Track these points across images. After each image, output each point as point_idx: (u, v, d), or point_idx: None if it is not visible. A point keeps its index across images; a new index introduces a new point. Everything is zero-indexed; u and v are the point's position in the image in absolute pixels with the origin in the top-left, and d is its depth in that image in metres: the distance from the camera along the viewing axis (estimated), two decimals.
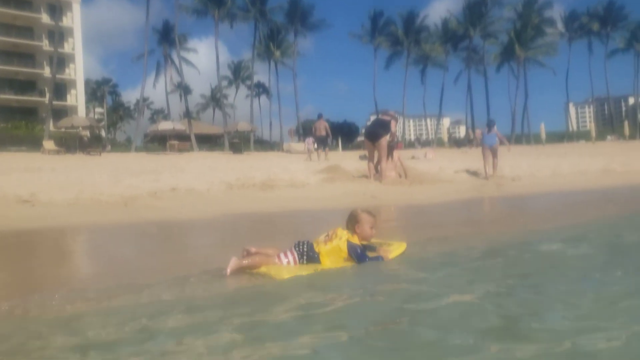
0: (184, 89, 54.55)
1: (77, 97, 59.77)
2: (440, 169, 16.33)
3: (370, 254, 4.19)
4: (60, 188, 9.59)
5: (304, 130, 55.54)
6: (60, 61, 56.75)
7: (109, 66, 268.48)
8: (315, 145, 24.03)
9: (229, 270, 3.80)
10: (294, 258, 4.02)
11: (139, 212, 8.13)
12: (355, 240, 4.14)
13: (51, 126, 40.37)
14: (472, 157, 22.45)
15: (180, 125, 41.33)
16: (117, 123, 76.22)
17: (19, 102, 53.81)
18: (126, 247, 5.88)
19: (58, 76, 58.21)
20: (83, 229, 6.78)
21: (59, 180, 10.83)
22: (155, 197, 9.71)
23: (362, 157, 21.12)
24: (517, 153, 23.11)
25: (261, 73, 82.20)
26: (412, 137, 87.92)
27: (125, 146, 48.81)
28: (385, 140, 12.84)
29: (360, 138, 49.68)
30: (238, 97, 68.96)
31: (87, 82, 67.51)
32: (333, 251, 4.06)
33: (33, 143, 36.53)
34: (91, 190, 9.68)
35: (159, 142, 47.47)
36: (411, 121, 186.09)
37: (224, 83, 71.64)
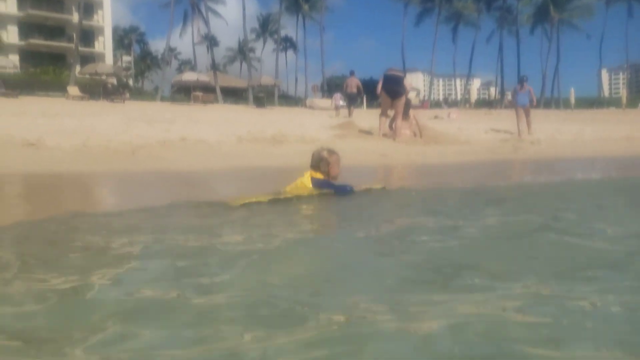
0: (210, 41, 54.11)
1: (104, 44, 59.79)
2: (459, 129, 16.04)
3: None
4: (70, 134, 9.66)
5: (329, 87, 54.97)
6: (89, 7, 56.61)
7: (138, 14, 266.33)
8: (343, 102, 24.09)
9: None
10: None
11: (145, 162, 8.16)
12: (319, 176, 4.51)
13: (78, 73, 40.60)
14: (495, 119, 21.99)
15: (204, 77, 41.23)
16: (144, 72, 76.41)
17: (48, 47, 54.02)
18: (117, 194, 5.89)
19: (86, 22, 58.20)
20: (81, 176, 6.82)
21: (71, 126, 10.91)
22: (164, 146, 9.74)
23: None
24: (543, 117, 22.57)
25: (289, 27, 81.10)
26: (440, 97, 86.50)
27: (151, 95, 48.96)
28: (404, 98, 12.76)
29: None
30: (265, 51, 68.22)
31: (115, 30, 67.34)
32: (296, 188, 4.47)
33: (60, 88, 36.85)
34: (100, 137, 9.74)
35: (185, 92, 47.50)
36: (440, 81, 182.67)
37: (252, 36, 71.02)
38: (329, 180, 4.54)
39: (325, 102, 40.46)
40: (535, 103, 16.97)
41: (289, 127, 13.68)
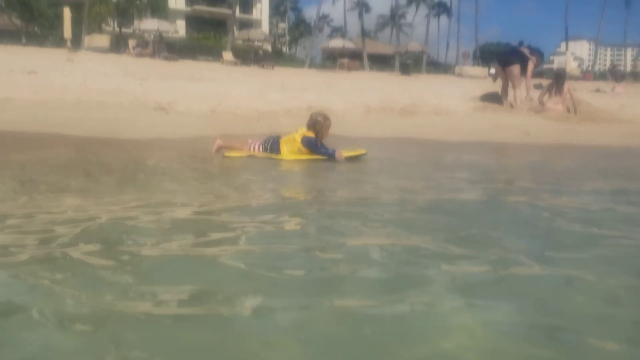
0: (361, 7, 53.66)
1: (261, 11, 62.00)
2: (621, 106, 14.08)
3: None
4: (203, 98, 9.87)
5: (482, 54, 52.01)
6: None
7: None
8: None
9: (215, 147, 5.33)
10: (260, 146, 5.29)
11: (263, 129, 8.06)
12: (311, 134, 5.19)
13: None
14: None
15: (350, 44, 41.03)
16: (298, 39, 78.06)
17: (211, 13, 57.14)
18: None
19: None
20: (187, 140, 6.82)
21: (207, 90, 11.17)
22: (290, 114, 9.62)
23: (536, 86, 20.61)
24: None
25: None
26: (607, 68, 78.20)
27: (302, 62, 49.96)
28: (516, 68, 11.77)
29: (547, 66, 45.36)
30: (418, 17, 66.13)
31: None
32: (289, 140, 5.21)
33: (219, 54, 38.89)
34: (231, 103, 9.86)
35: (333, 59, 47.86)
36: (608, 50, 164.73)
37: (403, 2, 69.23)
38: (316, 141, 5.19)
39: (476, 70, 38.39)
40: None
41: (425, 96, 12.91)
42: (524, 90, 12.47)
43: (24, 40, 33.01)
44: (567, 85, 12.36)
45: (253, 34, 36.35)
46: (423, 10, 72.41)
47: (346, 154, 5.20)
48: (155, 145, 6.29)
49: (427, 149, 7.46)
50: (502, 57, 13.20)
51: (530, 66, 12.35)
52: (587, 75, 42.03)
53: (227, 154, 5.31)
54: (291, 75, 23.57)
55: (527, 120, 10.94)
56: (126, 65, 16.68)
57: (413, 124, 9.65)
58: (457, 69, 39.91)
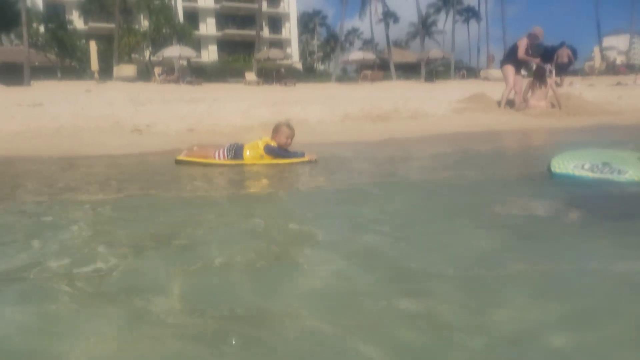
0: (386, 18, 53.99)
1: (290, 30, 63.20)
2: (619, 97, 13.94)
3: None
4: (184, 118, 10.45)
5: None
6: None
7: None
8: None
9: (181, 156, 5.42)
10: (224, 154, 5.35)
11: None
12: (274, 144, 5.36)
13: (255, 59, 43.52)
14: None
15: (370, 55, 41.36)
16: (330, 54, 79.04)
17: (241, 36, 58.73)
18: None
19: (273, 10, 62.21)
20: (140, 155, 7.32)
21: (194, 110, 11.77)
22: (266, 127, 10.05)
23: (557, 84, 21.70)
24: None
25: None
26: None
27: (327, 77, 50.64)
28: (507, 68, 11.86)
29: (588, 63, 44.27)
30: (448, 23, 65.63)
31: (301, 16, 70.81)
32: (252, 147, 5.37)
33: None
34: (211, 121, 10.39)
35: (358, 71, 48.35)
36: None
37: (431, 10, 69.25)
38: (278, 149, 5.32)
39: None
40: None
41: (409, 102, 13.18)
42: (523, 88, 12.42)
43: (59, 75, 34.98)
44: (550, 79, 12.39)
45: (273, 53, 37.18)
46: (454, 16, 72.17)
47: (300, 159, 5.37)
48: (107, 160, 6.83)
49: (377, 147, 7.77)
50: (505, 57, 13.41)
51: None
52: (620, 68, 40.93)
53: (179, 157, 5.39)
54: (306, 90, 24.14)
55: (506, 118, 11.04)
56: (138, 93, 17.60)
57: (383, 129, 9.92)
58: (482, 73, 39.60)
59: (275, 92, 21.74)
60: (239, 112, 11.59)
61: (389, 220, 3.04)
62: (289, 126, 5.47)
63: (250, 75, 33.47)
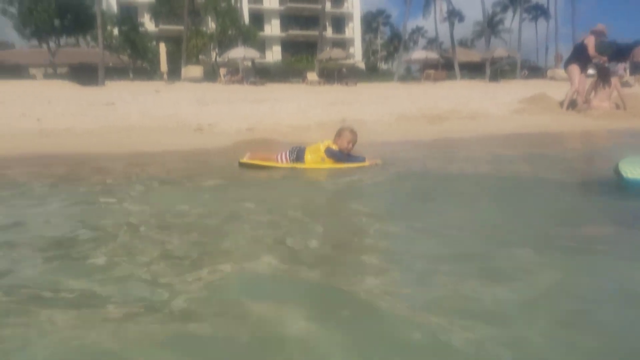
0: (451, 17, 53.24)
1: (353, 30, 63.35)
2: None
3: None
4: (245, 118, 10.87)
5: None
6: None
7: None
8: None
9: (244, 159, 5.34)
10: (286, 157, 5.32)
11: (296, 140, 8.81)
12: (335, 148, 5.27)
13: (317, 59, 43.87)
14: None
15: (433, 54, 40.90)
16: (393, 54, 78.59)
17: (304, 36, 59.33)
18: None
19: (337, 10, 62.55)
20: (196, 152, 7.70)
21: (255, 110, 12.19)
22: (321, 127, 10.32)
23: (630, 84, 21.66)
24: None
25: None
26: None
27: (390, 76, 50.47)
28: (572, 68, 11.46)
29: None
30: (516, 22, 63.79)
31: (366, 15, 70.82)
32: (313, 150, 5.30)
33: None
34: (270, 120, 10.75)
35: (422, 71, 47.92)
36: None
37: (497, 8, 67.62)
38: (340, 153, 5.25)
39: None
40: None
41: (472, 101, 13.10)
42: (586, 88, 12.14)
43: (131, 75, 36.57)
44: (614, 80, 12.00)
45: (335, 53, 37.44)
46: (522, 14, 70.13)
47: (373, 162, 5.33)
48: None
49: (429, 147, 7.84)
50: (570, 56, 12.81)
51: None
52: None
53: (242, 160, 5.34)
54: (365, 90, 24.28)
55: (560, 118, 10.83)
56: (203, 93, 18.26)
57: (441, 129, 9.97)
58: (549, 72, 38.42)
59: (335, 92, 21.99)
60: (296, 112, 11.92)
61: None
62: (352, 131, 5.37)
63: (312, 75, 33.88)
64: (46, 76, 35.18)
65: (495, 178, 4.83)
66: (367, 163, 5.28)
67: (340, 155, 5.24)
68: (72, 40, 42.44)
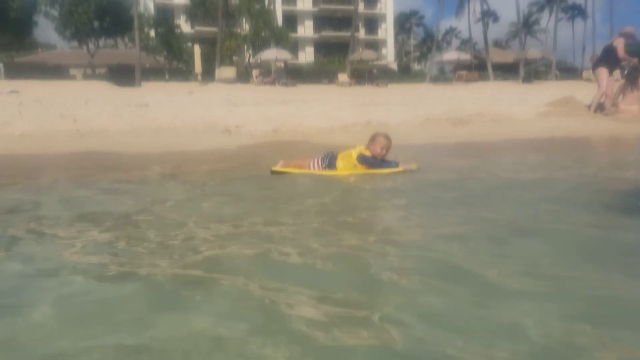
0: (489, 17, 52.75)
1: (386, 31, 63.28)
2: None
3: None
4: (270, 120, 11.16)
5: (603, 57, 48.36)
6: None
7: None
8: None
9: (277, 167, 5.21)
10: (318, 163, 5.21)
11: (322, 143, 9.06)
12: (368, 153, 5.09)
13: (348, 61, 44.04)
14: None
15: (465, 55, 40.61)
16: (427, 54, 78.25)
17: (337, 38, 59.55)
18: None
19: (370, 11, 62.60)
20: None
21: (281, 111, 12.47)
22: (345, 130, 10.53)
23: None
24: None
25: None
26: None
27: (423, 77, 50.31)
28: (601, 70, 11.36)
29: None
30: (552, 22, 62.66)
31: (399, 16, 70.65)
32: (345, 156, 5.14)
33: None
34: (295, 122, 11.01)
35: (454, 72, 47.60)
36: None
37: (533, 8, 66.61)
38: (372, 159, 5.07)
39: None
40: None
41: (500, 104, 13.12)
42: (614, 91, 12.05)
43: (167, 76, 37.42)
44: None
45: (366, 54, 37.57)
46: (559, 14, 68.94)
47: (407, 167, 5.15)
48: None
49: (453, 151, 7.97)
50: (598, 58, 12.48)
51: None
52: None
53: (275, 168, 5.21)
54: (395, 91, 24.36)
55: (587, 122, 10.79)
56: (234, 94, 18.65)
57: (465, 132, 10.07)
58: (584, 73, 37.75)
59: (365, 93, 22.17)
60: (322, 114, 12.16)
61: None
62: (386, 137, 5.18)
63: (343, 77, 34.10)
64: (85, 76, 36.31)
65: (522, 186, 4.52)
66: (401, 168, 5.10)
67: (372, 161, 5.08)
68: (110, 41, 43.54)
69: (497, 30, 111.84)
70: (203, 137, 9.28)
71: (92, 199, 4.11)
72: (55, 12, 36.95)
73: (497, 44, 71.17)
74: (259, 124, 10.70)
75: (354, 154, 5.10)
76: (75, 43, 40.10)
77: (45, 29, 59.28)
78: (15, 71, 30.95)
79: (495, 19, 64.51)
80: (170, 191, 4.58)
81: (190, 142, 8.67)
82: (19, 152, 7.89)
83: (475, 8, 54.28)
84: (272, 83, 29.80)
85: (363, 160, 5.06)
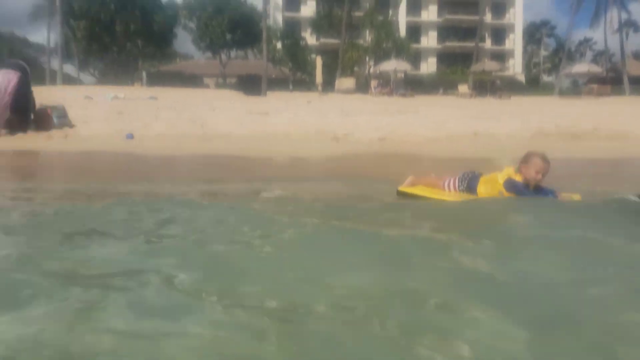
0: (629, 27, 49.29)
1: (514, 41, 61.23)
2: None
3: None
4: (379, 128, 11.63)
5: None
6: (501, 7, 59.34)
7: (552, 8, 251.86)
8: None
9: (404, 186, 4.55)
10: (455, 185, 4.39)
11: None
12: (518, 178, 4.07)
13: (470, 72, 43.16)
14: None
15: (595, 67, 38.26)
16: (558, 66, 74.39)
17: (461, 48, 58.57)
18: None
19: (497, 21, 60.95)
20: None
21: (394, 120, 12.90)
22: (453, 140, 10.74)
23: None
24: None
25: None
26: None
27: (552, 89, 48.11)
28: None
29: None
30: None
31: (529, 26, 67.99)
32: (489, 180, 4.24)
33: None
34: (403, 131, 11.41)
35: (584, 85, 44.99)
36: None
37: None
38: (523, 187, 4.07)
39: None
40: None
41: (620, 121, 12.60)
42: None
43: (290, 87, 39.18)
44: None
45: (489, 65, 36.76)
46: None
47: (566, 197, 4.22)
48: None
49: None
50: None
51: None
52: None
53: (402, 188, 4.54)
54: (516, 103, 23.78)
55: None
56: (350, 104, 19.35)
57: (578, 148, 9.87)
58: None
59: (484, 105, 21.87)
60: (430, 124, 12.41)
61: None
62: (544, 158, 4.04)
63: (463, 88, 33.67)
64: (217, 85, 39.09)
65: None
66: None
67: (523, 190, 4.04)
68: (241, 52, 46.47)
69: (637, 42, 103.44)
70: (311, 144, 9.97)
71: None
72: (192, 25, 40.23)
73: (638, 56, 66.06)
74: (367, 132, 11.22)
75: (501, 178, 4.16)
76: (209, 54, 43.30)
77: (184, 41, 64.50)
78: (156, 79, 34.20)
79: (636, 28, 59.91)
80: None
81: (299, 148, 9.40)
82: (155, 151, 9.06)
83: (613, 17, 50.91)
84: (390, 94, 30.20)
85: (511, 187, 4.08)
